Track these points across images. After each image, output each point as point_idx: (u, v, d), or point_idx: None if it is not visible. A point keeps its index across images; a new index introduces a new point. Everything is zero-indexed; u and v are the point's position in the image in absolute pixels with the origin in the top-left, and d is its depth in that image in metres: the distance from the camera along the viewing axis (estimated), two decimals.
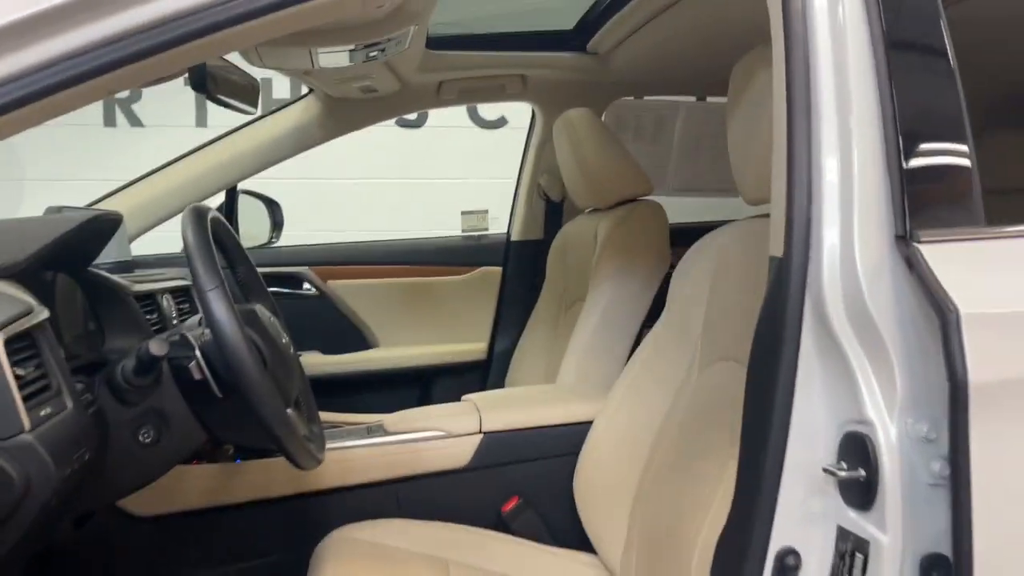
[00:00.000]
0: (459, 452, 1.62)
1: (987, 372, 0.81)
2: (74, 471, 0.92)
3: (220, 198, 2.40)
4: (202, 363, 1.10)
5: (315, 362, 2.45)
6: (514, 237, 2.60)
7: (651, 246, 1.98)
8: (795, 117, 0.96)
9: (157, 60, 0.81)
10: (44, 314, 0.97)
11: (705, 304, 1.50)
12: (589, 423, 1.63)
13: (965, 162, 0.93)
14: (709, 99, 2.54)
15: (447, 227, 3.82)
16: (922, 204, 0.90)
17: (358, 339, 2.55)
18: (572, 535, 1.61)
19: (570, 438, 1.65)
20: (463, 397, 1.83)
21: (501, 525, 1.62)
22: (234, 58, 1.74)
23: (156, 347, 1.05)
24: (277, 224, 2.62)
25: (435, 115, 4.01)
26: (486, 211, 2.62)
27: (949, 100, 0.94)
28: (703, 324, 1.49)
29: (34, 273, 1.07)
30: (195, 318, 1.26)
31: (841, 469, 0.89)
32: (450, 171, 4.04)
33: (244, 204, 2.50)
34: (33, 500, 0.84)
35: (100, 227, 1.18)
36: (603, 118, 2.50)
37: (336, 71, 1.88)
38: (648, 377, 1.57)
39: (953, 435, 0.82)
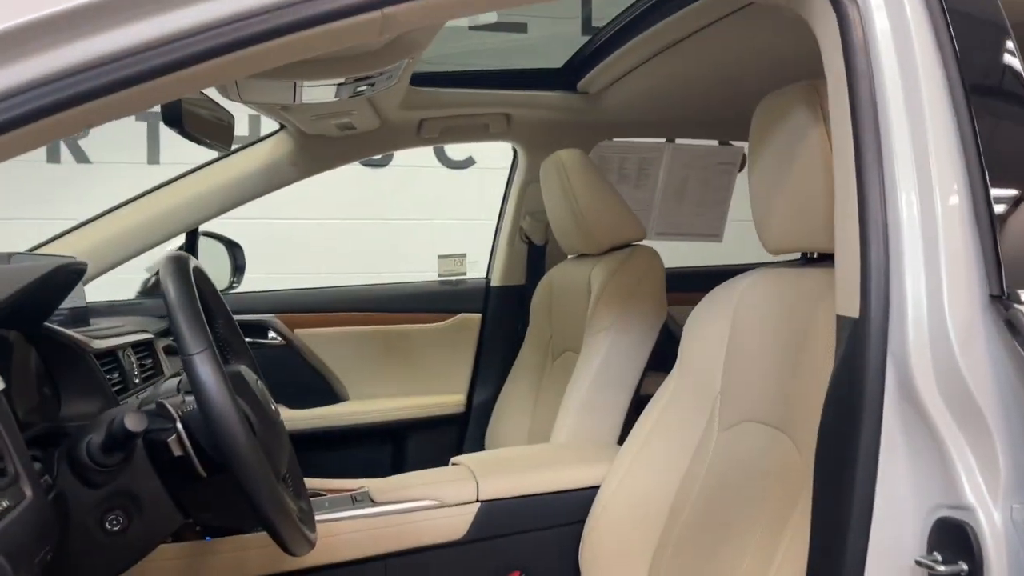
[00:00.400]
0: (455, 523, 1.47)
1: None
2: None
3: (179, 240, 2.25)
4: (184, 437, 0.95)
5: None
6: (494, 282, 2.48)
7: (649, 294, 1.89)
8: (865, 160, 0.87)
9: (152, 87, 0.68)
10: None
11: (723, 360, 1.40)
12: (594, 488, 1.51)
13: None
14: (697, 142, 2.48)
15: (413, 269, 3.69)
16: (1019, 260, 0.81)
17: (327, 392, 2.38)
18: None
19: (574, 505, 1.52)
20: (453, 460, 1.68)
21: None
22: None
23: (132, 422, 0.89)
24: (239, 268, 2.46)
25: (401, 154, 3.90)
26: (464, 255, 2.50)
27: None
28: (721, 382, 1.39)
29: None
30: (170, 382, 1.10)
31: (937, 562, 0.78)
32: (417, 212, 3.92)
33: (204, 246, 2.34)
34: None
35: (64, 279, 1.03)
36: None
37: (315, 106, 1.75)
38: (661, 438, 1.45)
39: None
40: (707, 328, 1.44)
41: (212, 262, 2.40)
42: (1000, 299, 0.79)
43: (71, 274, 1.04)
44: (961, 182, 0.84)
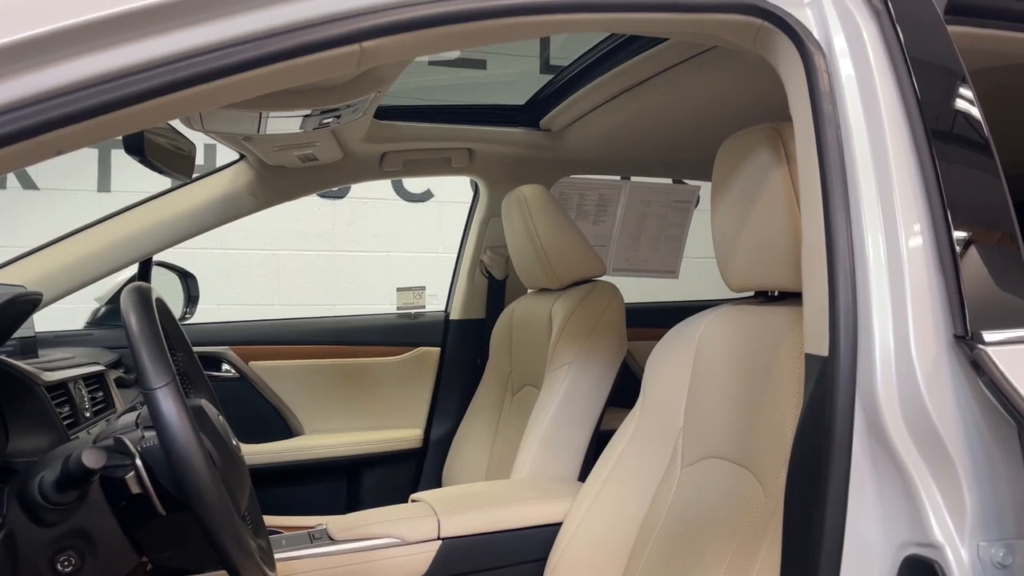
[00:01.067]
0: (415, 561, 1.44)
1: None
2: None
3: (131, 269, 2.20)
4: (143, 474, 0.92)
5: None
6: (454, 316, 2.47)
7: (610, 330, 1.89)
8: (832, 202, 0.89)
9: (131, 113, 0.66)
10: None
11: (686, 396, 1.41)
12: (556, 525, 1.50)
13: (1018, 254, 0.87)
14: (655, 180, 2.52)
15: (369, 301, 3.66)
16: (981, 300, 0.83)
17: (281, 426, 2.33)
18: None
19: (536, 542, 1.50)
20: (413, 496, 1.66)
21: None
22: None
23: (90, 459, 0.86)
24: (192, 298, 2.42)
25: (358, 186, 3.89)
26: (423, 287, 2.48)
27: (995, 186, 0.89)
28: (684, 418, 1.40)
29: None
30: (127, 416, 1.07)
31: None
32: (373, 244, 3.90)
33: (157, 276, 2.30)
34: None
35: (18, 309, 0.99)
36: None
37: (278, 137, 1.74)
38: (624, 475, 1.45)
39: None
40: (669, 364, 1.45)
41: (165, 292, 2.35)
42: (964, 339, 0.82)
43: (25, 304, 1.01)
44: (925, 224, 0.86)
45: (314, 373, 2.36)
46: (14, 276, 1.94)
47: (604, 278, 2.05)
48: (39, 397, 1.17)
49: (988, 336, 0.81)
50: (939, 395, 0.81)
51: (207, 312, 2.51)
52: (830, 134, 0.92)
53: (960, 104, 0.92)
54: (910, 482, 0.81)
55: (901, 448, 0.81)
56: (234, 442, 1.08)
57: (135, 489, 0.92)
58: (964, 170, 0.89)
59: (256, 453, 2.25)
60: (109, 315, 2.29)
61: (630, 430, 1.48)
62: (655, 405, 1.45)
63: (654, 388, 1.47)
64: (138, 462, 0.92)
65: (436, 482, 2.32)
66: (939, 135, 0.89)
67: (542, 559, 1.48)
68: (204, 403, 1.07)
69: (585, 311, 1.88)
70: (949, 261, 0.84)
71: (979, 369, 0.79)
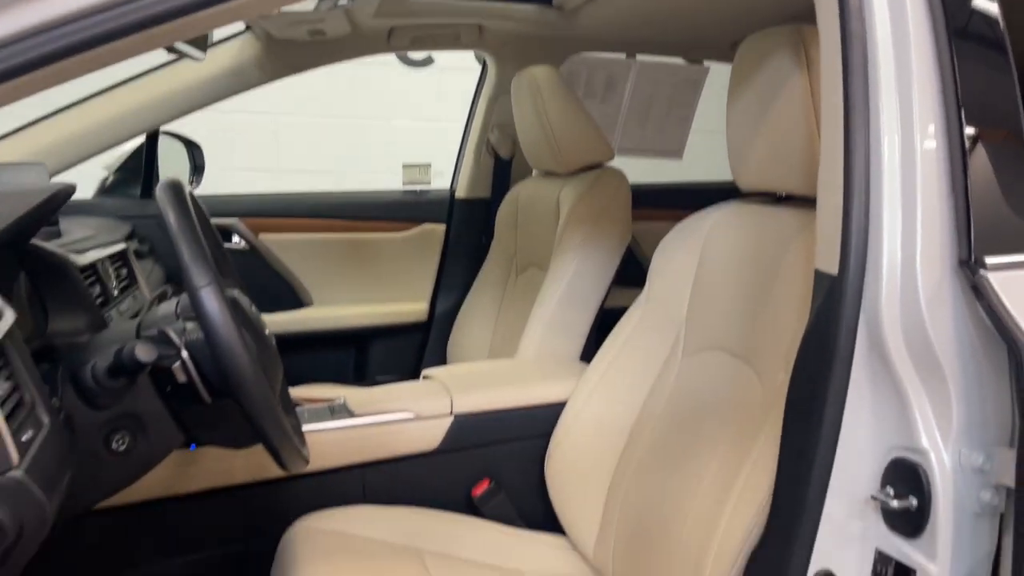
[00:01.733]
0: (429, 434, 1.54)
1: None
2: (62, 501, 0.80)
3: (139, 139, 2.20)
4: (189, 366, 0.98)
5: None
6: (459, 194, 2.49)
7: (616, 217, 1.93)
8: (853, 115, 0.91)
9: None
10: (11, 316, 0.83)
11: (690, 288, 1.46)
12: (560, 404, 1.59)
13: None
14: (665, 59, 2.48)
15: (370, 170, 3.65)
16: (988, 225, 0.87)
17: (291, 297, 2.40)
18: (543, 518, 1.57)
19: (541, 419, 1.60)
20: (425, 373, 1.75)
21: (471, 509, 1.57)
22: None
23: (144, 353, 0.91)
24: (198, 168, 2.42)
25: None
26: (428, 165, 2.49)
27: (1012, 108, 0.91)
28: (687, 309, 1.46)
29: None
30: (166, 306, 1.12)
31: (890, 496, 0.88)
32: (374, 111, 3.85)
33: (163, 146, 2.30)
34: (27, 545, 0.72)
35: (57, 202, 1.02)
36: None
37: (291, 14, 1.70)
38: (626, 361, 1.53)
39: (1021, 469, 0.81)
40: (676, 258, 1.50)
41: (171, 162, 2.36)
42: (967, 264, 0.86)
43: (62, 197, 1.04)
44: (942, 146, 0.89)
45: (322, 247, 2.41)
46: (21, 145, 1.94)
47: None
48: (73, 279, 1.22)
49: (990, 260, 0.86)
50: (939, 316, 0.86)
51: (207, 176, 2.51)
52: (856, 42, 0.92)
53: (979, 2, 0.92)
54: (903, 394, 0.88)
55: (899, 364, 0.88)
56: (267, 331, 1.14)
57: (181, 378, 0.98)
58: (980, 71, 0.91)
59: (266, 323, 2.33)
60: (118, 184, 2.31)
61: (634, 319, 1.54)
62: (660, 297, 1.51)
63: (659, 280, 1.53)
64: (184, 354, 0.97)
65: (441, 355, 2.41)
66: (959, 33, 0.90)
67: (546, 435, 1.58)
68: (238, 294, 1.13)
69: (593, 198, 1.92)
70: (961, 183, 0.87)
71: (978, 293, 0.84)
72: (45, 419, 0.84)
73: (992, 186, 0.91)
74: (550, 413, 1.59)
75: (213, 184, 2.43)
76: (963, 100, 0.89)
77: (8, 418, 0.76)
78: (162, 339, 0.99)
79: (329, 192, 2.54)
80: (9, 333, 0.82)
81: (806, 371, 0.95)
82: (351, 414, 1.53)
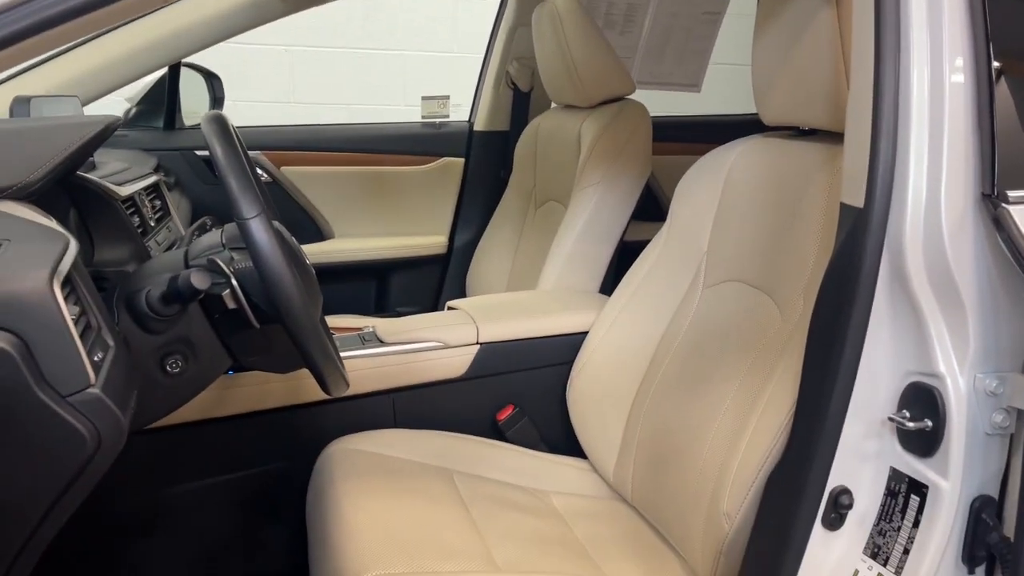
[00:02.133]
0: (456, 362, 1.60)
1: None
2: (132, 416, 0.86)
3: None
4: (239, 293, 1.02)
5: None
6: (478, 127, 2.50)
7: (638, 152, 1.95)
8: (884, 52, 0.94)
9: None
10: (75, 246, 0.87)
11: (711, 222, 1.50)
12: (582, 334, 1.64)
13: None
14: None
15: (384, 103, 3.64)
16: (1012, 160, 0.90)
17: (313, 230, 2.44)
18: (565, 442, 1.64)
19: (563, 348, 1.66)
20: (449, 304, 1.80)
21: (496, 433, 1.64)
22: None
23: (199, 280, 0.96)
24: (218, 100, 2.44)
25: None
26: (447, 97, 2.50)
27: None
28: (708, 243, 1.50)
29: (47, 193, 0.95)
30: (210, 236, 1.16)
31: (907, 418, 0.93)
32: (387, 41, 3.81)
33: (184, 78, 2.31)
34: (103, 458, 0.78)
35: (108, 134, 1.05)
36: None
37: None
38: (647, 292, 1.57)
39: None
40: (698, 191, 1.53)
41: (192, 94, 2.37)
42: (990, 197, 0.90)
43: (110, 129, 1.07)
44: (970, 83, 0.91)
45: (343, 180, 2.44)
46: (44, 80, 1.96)
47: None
48: (116, 211, 1.26)
49: (1012, 194, 0.89)
50: (960, 248, 0.90)
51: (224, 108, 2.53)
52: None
53: None
54: (923, 322, 0.92)
55: (920, 294, 0.92)
56: (308, 260, 1.18)
57: (231, 304, 1.03)
58: (1009, 4, 0.93)
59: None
60: (140, 115, 2.33)
61: (655, 252, 1.58)
62: (681, 229, 1.55)
63: (681, 213, 1.56)
64: (233, 282, 1.02)
65: (460, 288, 2.46)
66: None
67: (568, 363, 1.64)
68: (278, 225, 1.17)
69: (614, 132, 1.93)
70: (987, 117, 0.90)
71: (999, 226, 0.88)
72: (111, 341, 0.89)
73: (1017, 122, 0.94)
74: (572, 342, 1.64)
75: (227, 113, 2.44)
76: (992, 34, 0.91)
77: (80, 339, 0.81)
78: (212, 267, 1.03)
79: (350, 124, 2.55)
80: (74, 263, 0.87)
81: (829, 300, 0.99)
82: (382, 343, 1.58)
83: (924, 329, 0.92)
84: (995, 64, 0.91)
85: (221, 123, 1.06)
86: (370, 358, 1.56)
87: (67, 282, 0.84)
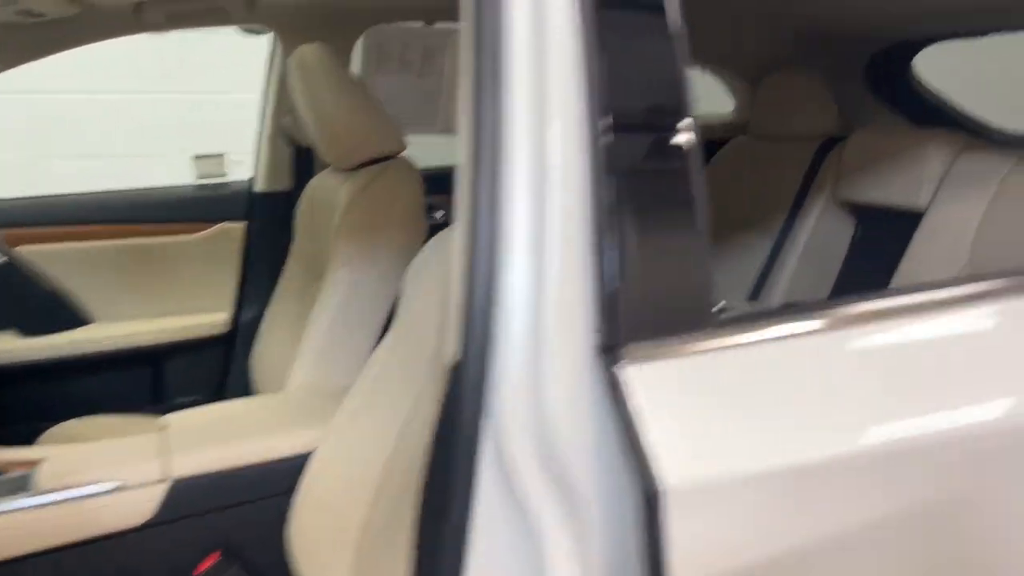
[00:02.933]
0: (138, 506, 1.29)
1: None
2: None
3: None
4: None
5: (12, 347, 2.01)
6: (258, 187, 2.20)
7: (401, 218, 1.68)
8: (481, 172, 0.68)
9: None
10: None
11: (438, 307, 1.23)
12: (307, 455, 1.35)
13: (698, 243, 0.68)
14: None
15: (157, 152, 3.23)
16: (634, 298, 0.64)
17: (66, 316, 2.10)
18: None
19: (283, 474, 1.36)
20: (160, 421, 1.49)
21: None
22: None
23: None
24: None
25: None
26: (223, 155, 2.20)
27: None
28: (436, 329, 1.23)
29: None
30: None
31: None
32: (159, 83, 3.43)
33: None
34: None
35: None
36: (360, 47, 2.12)
37: None
38: (382, 390, 1.30)
39: None
40: (424, 272, 1.27)
41: None
42: (610, 350, 0.63)
43: None
44: (584, 202, 0.65)
45: (101, 256, 2.11)
46: None
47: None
48: None
49: (634, 348, 0.63)
50: (575, 424, 0.63)
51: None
52: (487, 35, 0.69)
53: None
54: (537, 526, 0.65)
55: (531, 489, 0.65)
56: None
57: None
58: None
59: (42, 347, 2.04)
60: None
61: (390, 340, 1.31)
62: (409, 311, 1.28)
63: (413, 303, 1.29)
64: None
65: (246, 369, 2.15)
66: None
67: (289, 492, 1.34)
68: None
69: (369, 200, 1.66)
70: (597, 269, 0.64)
71: (615, 393, 0.62)
72: None
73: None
74: (293, 467, 1.35)
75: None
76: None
77: None
78: None
79: (106, 192, 2.22)
80: None
81: (435, 479, 0.72)
82: (38, 490, 1.27)
83: (539, 536, 0.65)
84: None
85: None
86: (21, 513, 1.24)
87: None
